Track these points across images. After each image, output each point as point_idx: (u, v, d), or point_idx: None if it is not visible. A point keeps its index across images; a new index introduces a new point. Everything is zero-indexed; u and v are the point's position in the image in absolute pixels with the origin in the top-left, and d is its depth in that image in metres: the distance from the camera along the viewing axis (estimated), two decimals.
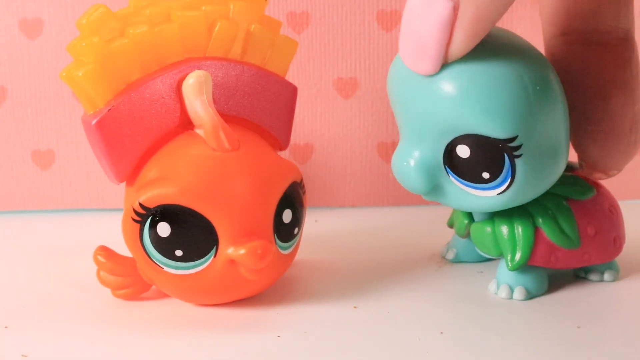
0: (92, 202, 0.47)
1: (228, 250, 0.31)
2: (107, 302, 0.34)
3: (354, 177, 0.47)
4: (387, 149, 0.47)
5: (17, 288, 0.36)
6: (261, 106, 0.34)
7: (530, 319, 0.32)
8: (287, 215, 0.33)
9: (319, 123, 0.46)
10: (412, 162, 0.32)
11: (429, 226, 0.44)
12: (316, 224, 0.45)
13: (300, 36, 0.45)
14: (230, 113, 0.34)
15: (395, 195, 0.48)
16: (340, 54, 0.46)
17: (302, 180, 0.34)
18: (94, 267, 0.34)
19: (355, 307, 0.33)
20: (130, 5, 0.33)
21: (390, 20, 0.45)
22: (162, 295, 0.35)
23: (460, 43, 0.29)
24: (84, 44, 0.31)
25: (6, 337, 0.31)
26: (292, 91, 0.35)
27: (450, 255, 0.38)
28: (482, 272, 0.37)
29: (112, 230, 0.39)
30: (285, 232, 0.33)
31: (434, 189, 0.32)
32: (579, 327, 0.31)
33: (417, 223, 0.45)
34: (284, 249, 0.33)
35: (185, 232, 0.31)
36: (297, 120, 0.46)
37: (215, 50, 0.33)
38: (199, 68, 0.32)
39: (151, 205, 0.31)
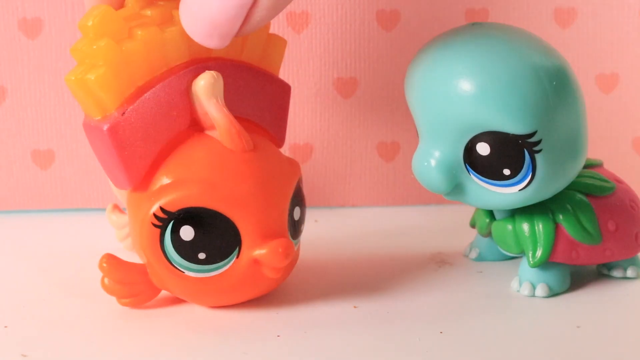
0: (92, 202, 0.47)
1: (251, 250, 0.31)
2: (107, 302, 0.34)
3: (354, 177, 0.47)
4: (387, 149, 0.47)
5: (17, 288, 0.36)
6: (260, 105, 0.34)
7: (532, 318, 0.32)
8: (297, 213, 0.33)
9: (319, 123, 0.46)
10: (432, 162, 0.32)
11: (429, 226, 0.44)
12: (316, 224, 0.45)
13: (300, 36, 0.45)
14: (235, 114, 0.33)
15: (395, 195, 0.48)
16: (340, 54, 0.46)
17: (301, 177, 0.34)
18: (94, 267, 0.34)
19: (355, 307, 0.33)
20: (129, 6, 0.33)
21: (390, 20, 0.45)
22: (161, 295, 0.35)
23: (259, 21, 0.30)
24: (94, 47, 0.30)
25: (6, 337, 0.31)
26: (286, 90, 0.35)
27: (474, 255, 0.39)
28: (481, 272, 0.37)
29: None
30: (296, 229, 0.33)
31: (455, 188, 0.33)
32: (578, 327, 0.31)
33: (417, 223, 0.45)
34: (295, 245, 0.33)
35: (209, 235, 0.31)
36: (297, 120, 0.46)
37: (218, 50, 0.33)
38: (206, 69, 0.32)
39: (174, 209, 0.30)
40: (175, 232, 0.31)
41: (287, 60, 0.45)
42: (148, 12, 0.32)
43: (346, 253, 0.40)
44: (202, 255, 0.31)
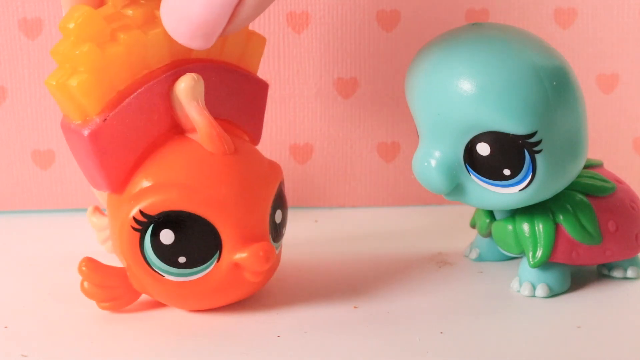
0: (92, 202, 0.47)
1: (231, 254, 0.31)
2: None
3: (354, 177, 0.47)
4: (387, 149, 0.47)
5: (17, 288, 0.36)
6: (238, 105, 0.34)
7: (532, 318, 0.32)
8: (278, 216, 0.33)
9: (319, 123, 0.46)
10: (433, 162, 0.32)
11: (429, 226, 0.44)
12: (316, 224, 0.45)
13: (300, 36, 0.45)
14: (214, 115, 0.33)
15: (395, 195, 0.48)
16: (340, 54, 0.46)
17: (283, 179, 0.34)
18: None
19: (355, 307, 0.33)
20: (109, 4, 0.32)
21: (390, 20, 0.45)
22: None
23: (245, 19, 0.29)
24: (77, 52, 0.30)
25: (6, 337, 0.31)
26: (264, 88, 0.35)
27: (474, 255, 0.39)
28: (482, 272, 0.37)
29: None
30: (277, 232, 0.33)
31: (456, 189, 0.33)
32: (578, 327, 0.31)
33: (417, 223, 0.45)
34: (276, 248, 0.33)
35: (190, 238, 0.31)
36: (297, 120, 0.46)
37: (199, 51, 0.33)
38: (187, 71, 0.32)
39: (153, 212, 0.30)
40: (155, 235, 0.30)
41: (287, 60, 0.45)
42: (129, 12, 0.31)
43: (346, 253, 0.40)
44: (182, 259, 0.31)
